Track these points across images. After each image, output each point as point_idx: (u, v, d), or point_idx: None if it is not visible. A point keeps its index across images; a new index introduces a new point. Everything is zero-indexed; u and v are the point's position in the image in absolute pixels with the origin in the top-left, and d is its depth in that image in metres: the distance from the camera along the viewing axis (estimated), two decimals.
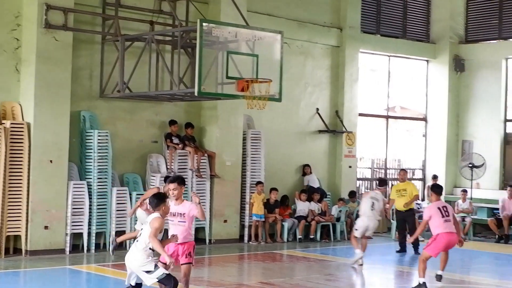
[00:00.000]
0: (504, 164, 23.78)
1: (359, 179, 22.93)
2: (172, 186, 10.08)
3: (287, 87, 19.05)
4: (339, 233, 19.96)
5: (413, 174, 24.85)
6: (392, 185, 22.36)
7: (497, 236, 20.76)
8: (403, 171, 19.09)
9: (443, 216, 12.65)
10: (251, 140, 19.08)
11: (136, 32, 17.23)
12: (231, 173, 18.66)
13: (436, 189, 13.45)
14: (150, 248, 8.97)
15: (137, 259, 8.98)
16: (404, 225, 18.12)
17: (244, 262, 16.75)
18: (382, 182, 17.67)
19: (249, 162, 19.02)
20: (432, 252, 12.67)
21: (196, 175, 17.88)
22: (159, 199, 9.43)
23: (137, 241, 9.15)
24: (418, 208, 20.12)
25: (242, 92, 15.72)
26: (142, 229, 9.22)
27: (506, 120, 23.90)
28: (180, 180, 10.20)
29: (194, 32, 15.42)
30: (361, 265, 15.08)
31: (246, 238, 18.86)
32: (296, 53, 20.63)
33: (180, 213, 9.93)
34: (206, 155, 18.23)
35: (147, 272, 8.93)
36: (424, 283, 12.54)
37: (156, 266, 9.00)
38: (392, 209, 19.38)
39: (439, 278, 13.41)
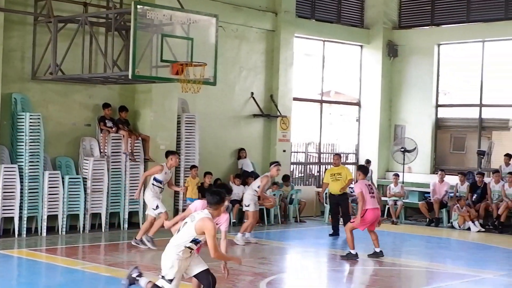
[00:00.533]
0: (435, 149, 24.25)
1: (293, 163, 23.12)
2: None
3: (222, 71, 19.07)
4: (273, 217, 20.11)
5: (347, 158, 25.13)
6: (325, 169, 22.63)
7: (428, 220, 21.16)
8: (337, 155, 19.09)
9: (370, 193, 14.07)
10: (186, 124, 19.06)
11: (70, 14, 17.03)
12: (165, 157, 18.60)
13: (363, 169, 15.19)
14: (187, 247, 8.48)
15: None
16: (338, 209, 18.29)
17: None
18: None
19: (184, 146, 19.02)
20: (359, 226, 14.12)
21: (130, 159, 17.82)
22: (220, 198, 8.59)
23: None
24: (351, 192, 20.36)
25: (176, 76, 15.69)
26: (186, 222, 8.53)
27: (437, 105, 24.35)
28: None
29: (128, 15, 15.30)
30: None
31: None
32: (231, 37, 20.64)
33: None
34: (140, 138, 18.17)
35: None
36: (356, 253, 13.85)
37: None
38: (326, 193, 19.58)
39: (381, 253, 14.45)
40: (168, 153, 15.37)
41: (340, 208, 18.24)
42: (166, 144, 18.53)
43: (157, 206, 14.83)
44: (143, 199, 15.77)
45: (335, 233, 18.27)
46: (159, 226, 14.53)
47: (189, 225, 8.22)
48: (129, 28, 15.45)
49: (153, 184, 14.97)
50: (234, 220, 19.30)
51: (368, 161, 23.03)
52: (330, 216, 19.52)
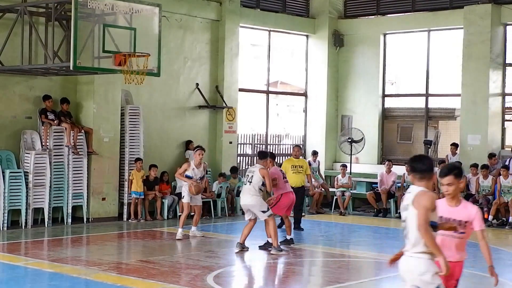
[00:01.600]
0: (383, 139, 24.44)
1: (239, 155, 23.08)
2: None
3: (166, 61, 18.99)
4: (219, 209, 20.08)
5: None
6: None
7: (375, 210, 21.33)
8: (298, 147, 18.51)
9: (283, 178, 14.88)
10: (130, 116, 18.90)
11: (8, 3, 16.74)
12: (109, 150, 18.49)
13: (272, 155, 15.72)
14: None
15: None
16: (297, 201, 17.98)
17: (123, 240, 16.63)
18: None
19: (128, 138, 18.87)
20: (278, 211, 14.82)
21: (72, 152, 17.64)
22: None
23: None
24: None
25: (119, 67, 15.61)
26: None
27: (384, 95, 24.53)
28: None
29: (69, 4, 15.11)
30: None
31: (125, 216, 18.74)
32: (175, 27, 20.50)
33: None
34: (82, 131, 17.98)
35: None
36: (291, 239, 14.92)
37: None
38: None
39: (291, 241, 15.01)
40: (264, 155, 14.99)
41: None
42: (109, 136, 18.41)
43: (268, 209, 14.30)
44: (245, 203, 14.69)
45: (298, 227, 17.63)
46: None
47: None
48: (70, 18, 15.28)
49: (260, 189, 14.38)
50: (180, 214, 19.19)
51: (315, 152, 23.10)
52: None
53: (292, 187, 17.03)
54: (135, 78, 15.80)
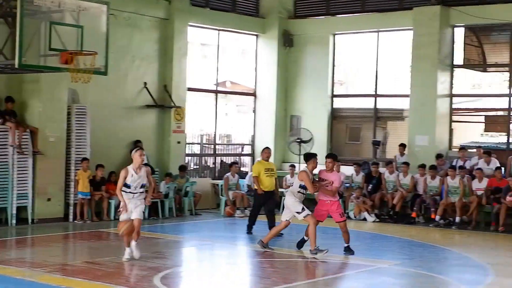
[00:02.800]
0: (331, 139, 24.60)
1: (188, 154, 23.07)
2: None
3: (114, 60, 18.81)
4: (167, 210, 20.05)
5: (243, 149, 25.27)
6: (221, 160, 22.63)
7: None
8: (268, 149, 18.11)
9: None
10: (76, 115, 18.79)
11: None
12: (55, 150, 18.35)
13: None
14: None
15: None
16: (262, 204, 17.50)
17: (69, 241, 16.53)
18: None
19: (74, 138, 18.75)
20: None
21: (17, 152, 17.47)
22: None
23: None
24: None
25: (66, 65, 15.51)
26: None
27: (333, 96, 24.71)
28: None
29: (14, 1, 14.95)
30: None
31: (71, 217, 18.61)
32: (123, 25, 20.39)
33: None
34: (28, 130, 17.81)
35: None
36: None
37: None
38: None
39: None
40: (308, 156, 14.99)
41: (267, 205, 17.33)
42: (55, 136, 18.29)
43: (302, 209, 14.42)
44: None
45: (249, 228, 17.48)
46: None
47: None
48: (15, 14, 15.06)
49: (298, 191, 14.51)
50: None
51: None
52: (249, 211, 18.53)
53: (265, 191, 17.15)
54: (82, 77, 15.72)
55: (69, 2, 15.64)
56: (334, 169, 14.80)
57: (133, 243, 12.99)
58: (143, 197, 13.11)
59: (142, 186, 13.04)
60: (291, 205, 14.47)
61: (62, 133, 18.48)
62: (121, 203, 12.93)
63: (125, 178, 12.87)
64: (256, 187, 17.26)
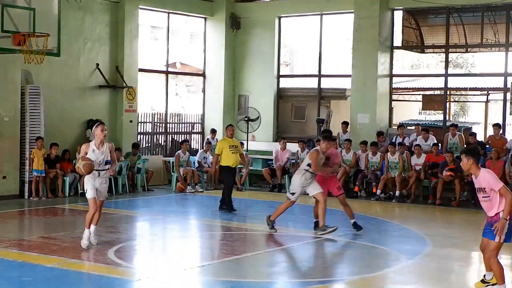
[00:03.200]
0: (278, 118, 24.68)
1: (140, 133, 22.93)
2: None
3: (66, 42, 18.70)
4: (120, 186, 19.94)
5: (193, 127, 25.20)
6: (172, 138, 22.48)
7: (271, 185, 21.55)
8: (232, 126, 17.87)
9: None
10: (30, 96, 18.51)
11: None
12: (10, 129, 18.10)
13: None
14: None
15: None
16: (233, 181, 17.47)
17: (25, 217, 16.34)
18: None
19: (28, 117, 18.49)
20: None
21: None
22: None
23: None
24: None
25: (18, 46, 15.39)
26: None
27: (279, 76, 24.76)
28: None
29: None
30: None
31: (26, 194, 18.40)
32: (75, 8, 20.09)
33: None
34: None
35: None
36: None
37: None
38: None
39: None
40: (326, 138, 14.00)
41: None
42: (10, 116, 18.03)
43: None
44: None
45: (231, 207, 16.68)
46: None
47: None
48: None
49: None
50: (82, 191, 18.94)
51: (213, 131, 23.15)
52: (224, 188, 17.34)
53: (230, 167, 16.79)
54: (35, 58, 15.56)
55: None
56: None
57: (92, 227, 11.91)
58: (108, 175, 12.08)
59: (107, 162, 11.91)
60: (292, 183, 13.94)
61: (16, 113, 18.22)
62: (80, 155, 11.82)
63: (86, 153, 11.73)
64: (226, 163, 16.73)
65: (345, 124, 21.99)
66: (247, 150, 22.34)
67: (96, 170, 11.72)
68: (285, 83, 25.14)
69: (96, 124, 12.10)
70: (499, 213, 8.73)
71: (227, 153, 16.75)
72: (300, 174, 13.69)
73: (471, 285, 9.72)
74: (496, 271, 8.87)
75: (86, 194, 11.93)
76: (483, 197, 8.86)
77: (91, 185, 11.78)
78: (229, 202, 16.67)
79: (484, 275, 9.27)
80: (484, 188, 8.79)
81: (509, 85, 21.23)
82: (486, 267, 9.21)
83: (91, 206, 11.80)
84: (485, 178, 8.77)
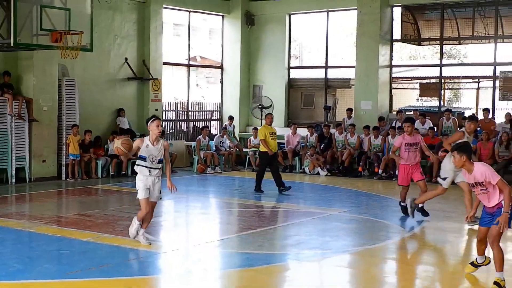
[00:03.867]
0: (288, 105, 24.63)
1: (164, 120, 22.96)
2: (407, 124, 12.92)
3: (98, 39, 18.74)
4: None
5: (212, 115, 25.20)
6: (194, 125, 22.49)
7: (283, 166, 21.53)
8: (271, 114, 17.48)
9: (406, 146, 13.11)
10: (66, 87, 18.58)
11: None
12: (48, 117, 18.19)
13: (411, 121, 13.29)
14: None
15: None
16: (267, 166, 16.71)
17: (62, 197, 16.43)
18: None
19: (65, 107, 18.57)
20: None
21: (18, 119, 17.31)
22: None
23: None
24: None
25: (56, 43, 15.40)
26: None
27: (289, 67, 24.69)
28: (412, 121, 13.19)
29: None
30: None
31: (63, 176, 18.49)
32: (106, 8, 20.13)
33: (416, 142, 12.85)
34: (24, 101, 17.59)
35: None
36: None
37: None
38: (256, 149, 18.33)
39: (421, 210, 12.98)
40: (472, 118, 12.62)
41: (272, 165, 16.64)
42: (48, 106, 18.14)
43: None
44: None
45: (260, 188, 16.52)
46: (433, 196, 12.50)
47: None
48: None
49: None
50: (113, 173, 19.08)
51: (231, 117, 23.16)
52: (257, 171, 17.00)
53: (267, 153, 16.37)
54: (70, 54, 15.59)
55: None
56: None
57: (141, 231, 10.20)
58: (159, 175, 10.13)
59: (160, 161, 10.02)
60: (443, 167, 12.14)
61: (54, 103, 18.29)
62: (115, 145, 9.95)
63: (138, 148, 9.92)
64: (265, 149, 16.33)
65: (350, 110, 21.94)
66: None
67: (147, 167, 9.97)
68: (295, 74, 25.07)
69: (151, 119, 10.08)
70: (500, 202, 7.96)
71: (268, 139, 16.39)
72: (450, 157, 10.92)
73: (463, 254, 9.71)
74: (497, 257, 8.00)
75: (137, 194, 10.08)
76: (481, 190, 8.03)
77: (143, 185, 9.99)
78: (258, 182, 16.46)
79: (476, 259, 8.71)
80: (482, 182, 7.95)
81: (498, 74, 21.13)
82: (478, 251, 8.60)
83: (143, 207, 10.05)
84: (482, 172, 7.93)
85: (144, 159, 9.93)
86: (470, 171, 8.03)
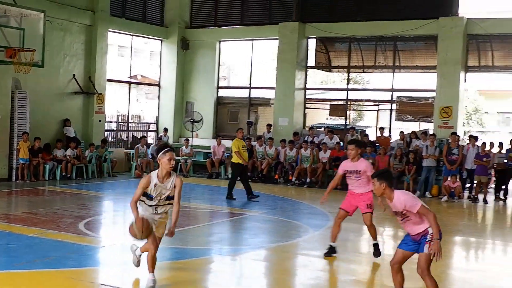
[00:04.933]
0: (216, 120, 24.63)
1: (107, 130, 22.63)
2: (350, 147, 9.38)
3: (49, 56, 18.39)
4: (90, 172, 19.65)
5: (149, 127, 24.97)
6: (133, 135, 22.27)
7: (209, 173, 21.50)
8: (242, 129, 16.63)
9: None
10: (18, 99, 18.10)
11: None
12: (1, 125, 17.70)
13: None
14: None
15: None
16: (239, 175, 15.90)
17: (12, 197, 15.94)
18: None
19: (17, 116, 18.09)
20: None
21: None
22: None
23: None
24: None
25: (10, 59, 15.03)
26: None
27: (218, 87, 24.71)
28: (357, 143, 9.57)
29: None
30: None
31: (14, 178, 17.99)
32: (57, 29, 19.77)
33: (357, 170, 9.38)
34: None
35: None
36: None
37: None
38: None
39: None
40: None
41: (244, 175, 15.94)
42: (2, 115, 17.61)
43: None
44: None
45: (232, 196, 15.70)
46: None
47: None
48: None
49: None
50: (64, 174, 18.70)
51: (166, 129, 22.99)
52: (229, 183, 15.98)
53: (241, 164, 15.63)
54: (23, 69, 15.26)
55: (14, 9, 15.17)
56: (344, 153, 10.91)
57: (150, 276, 7.37)
58: (167, 210, 7.36)
59: (169, 198, 7.22)
60: None
61: (7, 113, 17.79)
62: (134, 217, 7.16)
63: (145, 188, 7.16)
64: (238, 160, 15.59)
65: (269, 126, 22.12)
66: (191, 145, 22.27)
67: (152, 206, 7.26)
68: (223, 93, 25.10)
69: (163, 150, 7.18)
70: (425, 230, 6.51)
71: (241, 151, 15.72)
72: None
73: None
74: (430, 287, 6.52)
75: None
76: (401, 220, 6.63)
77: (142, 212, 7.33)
78: (230, 190, 15.70)
79: None
80: (402, 212, 6.53)
81: (394, 98, 21.67)
82: (396, 284, 6.82)
83: (149, 243, 7.35)
84: (401, 201, 6.50)
85: (150, 197, 7.19)
86: (391, 199, 6.60)
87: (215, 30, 24.56)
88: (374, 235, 9.50)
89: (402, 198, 6.53)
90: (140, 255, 7.96)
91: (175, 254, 9.51)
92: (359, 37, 22.03)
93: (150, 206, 7.25)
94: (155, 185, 7.14)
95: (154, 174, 7.19)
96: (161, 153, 7.16)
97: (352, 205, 9.52)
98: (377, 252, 9.43)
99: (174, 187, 7.17)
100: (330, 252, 9.38)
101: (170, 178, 7.17)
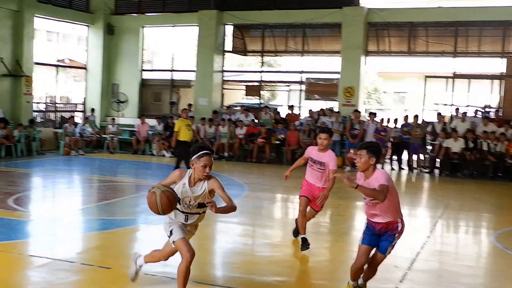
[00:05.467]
0: (141, 100, 24.16)
1: (35, 111, 21.78)
2: (323, 136, 7.73)
3: None
4: (19, 151, 18.88)
5: (77, 107, 24.23)
6: (61, 116, 21.57)
7: (134, 150, 21.08)
8: (186, 109, 15.74)
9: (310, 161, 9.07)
10: None
11: None
12: None
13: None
14: None
15: None
16: (188, 153, 15.39)
17: None
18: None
19: None
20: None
21: None
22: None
23: None
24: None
25: None
26: None
27: (142, 70, 24.22)
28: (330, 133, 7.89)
29: None
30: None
31: None
32: None
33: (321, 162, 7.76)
34: None
35: None
36: None
37: None
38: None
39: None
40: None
41: (186, 153, 14.68)
42: None
43: None
44: None
45: None
46: None
47: None
48: None
49: None
50: None
51: (92, 109, 22.36)
52: (177, 159, 14.88)
53: (186, 141, 14.52)
54: None
55: None
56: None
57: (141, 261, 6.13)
58: (198, 222, 5.84)
59: (200, 206, 5.63)
60: None
61: None
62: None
63: (174, 180, 5.64)
64: (180, 139, 14.54)
65: (189, 105, 21.89)
66: (118, 124, 21.79)
67: (183, 213, 5.70)
68: (147, 75, 24.61)
69: (198, 153, 5.55)
70: (394, 221, 5.66)
71: (184, 130, 14.61)
72: None
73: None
74: (369, 275, 5.97)
75: (171, 237, 5.66)
76: (370, 200, 5.60)
77: (176, 225, 5.71)
78: (177, 167, 14.64)
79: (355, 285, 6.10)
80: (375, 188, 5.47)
81: (303, 79, 21.90)
82: (353, 275, 5.92)
83: (181, 250, 5.53)
84: (378, 179, 5.50)
85: (178, 200, 5.54)
86: (368, 177, 5.63)
87: (139, 16, 23.97)
88: (305, 228, 7.97)
89: (379, 175, 5.50)
90: (141, 266, 6.11)
91: (103, 224, 9.29)
92: (272, 24, 22.07)
93: (183, 212, 5.68)
94: (183, 185, 5.56)
95: (187, 174, 5.61)
96: (195, 156, 5.50)
97: (312, 194, 7.92)
98: (305, 245, 7.83)
99: (208, 192, 5.53)
100: (305, 245, 7.78)
101: (200, 184, 5.55)
